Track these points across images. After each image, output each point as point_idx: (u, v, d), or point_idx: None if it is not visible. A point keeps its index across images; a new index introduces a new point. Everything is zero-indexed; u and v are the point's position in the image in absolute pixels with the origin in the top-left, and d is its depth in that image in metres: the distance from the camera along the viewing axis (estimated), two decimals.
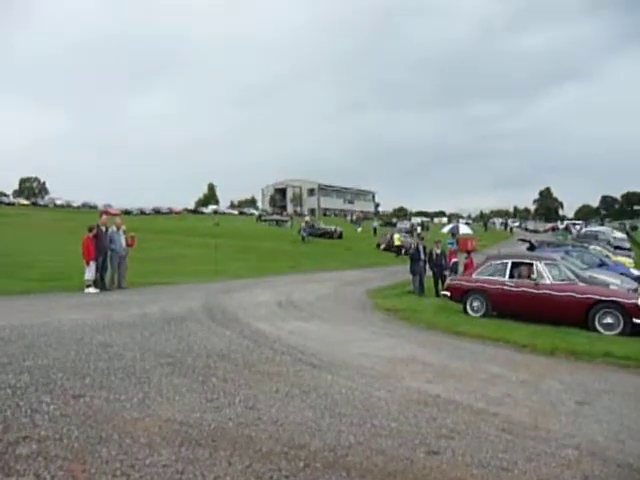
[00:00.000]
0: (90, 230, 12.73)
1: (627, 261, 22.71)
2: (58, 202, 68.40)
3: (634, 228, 67.59)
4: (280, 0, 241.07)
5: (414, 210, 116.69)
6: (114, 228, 13.61)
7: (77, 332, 7.26)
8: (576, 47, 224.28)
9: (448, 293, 12.10)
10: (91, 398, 4.47)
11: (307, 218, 48.72)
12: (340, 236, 41.75)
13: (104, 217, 14.26)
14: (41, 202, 70.27)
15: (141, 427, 3.88)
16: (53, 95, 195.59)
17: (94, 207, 64.43)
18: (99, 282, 12.76)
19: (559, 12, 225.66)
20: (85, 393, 4.59)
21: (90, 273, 12.43)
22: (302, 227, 38.28)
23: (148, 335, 7.33)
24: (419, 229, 48.23)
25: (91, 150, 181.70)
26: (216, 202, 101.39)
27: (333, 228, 43.09)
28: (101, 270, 12.94)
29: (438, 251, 15.88)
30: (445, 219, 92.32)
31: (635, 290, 13.53)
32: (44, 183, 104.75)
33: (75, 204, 68.47)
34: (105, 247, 13.03)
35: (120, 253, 13.42)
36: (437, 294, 14.46)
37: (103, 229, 13.23)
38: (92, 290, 12.32)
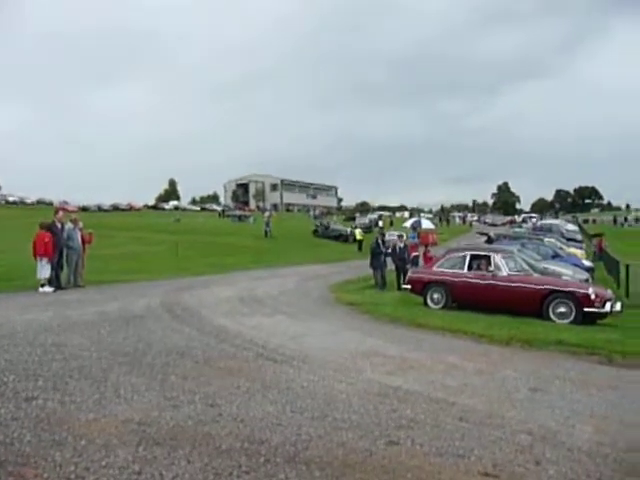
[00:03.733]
0: (42, 227, 12.28)
1: (579, 252, 23.55)
2: (10, 199, 65.64)
3: (586, 221, 70.47)
4: None
5: (376, 205, 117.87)
6: (70, 225, 13.19)
7: (30, 332, 7.02)
8: (533, 47, 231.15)
9: (409, 286, 12.29)
10: (44, 400, 4.33)
11: (267, 213, 48.50)
12: (355, 239, 36.63)
13: (60, 213, 13.79)
14: None
15: (97, 428, 3.79)
16: (10, 89, 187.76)
17: (49, 204, 62.09)
18: (54, 281, 12.34)
19: (520, 14, 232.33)
20: (38, 395, 4.44)
21: (45, 271, 12.00)
22: (265, 222, 38.10)
23: (105, 334, 7.16)
24: (380, 223, 48.38)
25: (50, 147, 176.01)
26: (177, 198, 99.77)
27: (349, 230, 39.14)
28: (57, 268, 12.52)
29: (401, 245, 16.09)
30: (407, 213, 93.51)
31: (586, 280, 14.10)
32: None
33: (29, 200, 65.99)
34: (61, 244, 12.62)
35: (77, 250, 13.03)
36: (399, 287, 14.66)
37: (59, 226, 12.80)
38: (47, 289, 11.92)
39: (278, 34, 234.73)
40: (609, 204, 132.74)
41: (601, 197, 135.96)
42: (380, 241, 15.97)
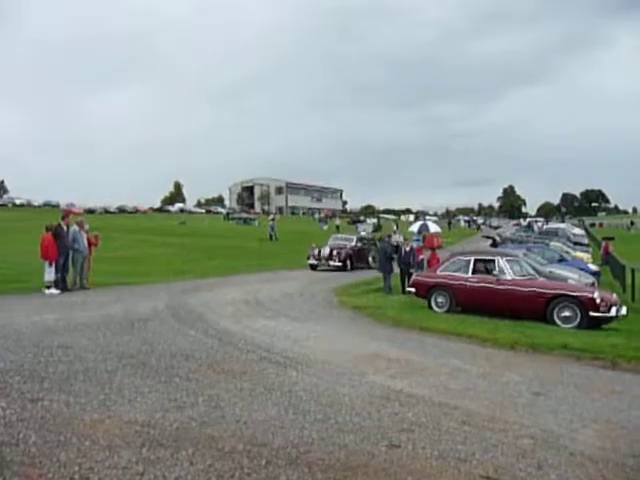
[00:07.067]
0: (48, 229, 12.37)
1: (585, 256, 23.46)
2: (18, 201, 66.03)
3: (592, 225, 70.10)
4: (250, 2, 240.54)
5: (381, 208, 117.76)
6: (76, 227, 13.27)
7: (36, 334, 7.08)
8: (536, 50, 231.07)
9: (413, 289, 12.28)
10: (50, 401, 4.37)
11: (272, 216, 48.48)
12: None
13: (70, 217, 13.87)
14: None
15: (101, 429, 3.82)
16: (14, 93, 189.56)
17: (56, 206, 62.22)
18: (60, 283, 12.42)
19: (519, 18, 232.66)
20: (43, 396, 4.49)
21: (50, 274, 12.09)
22: (270, 225, 38.08)
23: (110, 336, 7.21)
24: (394, 227, 47.55)
25: (55, 149, 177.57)
26: (183, 200, 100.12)
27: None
28: (62, 270, 12.60)
29: (407, 248, 16.08)
30: (412, 216, 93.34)
31: (592, 284, 14.04)
32: (2, 182, 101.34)
33: (36, 203, 66.34)
34: (67, 247, 12.70)
35: (83, 253, 13.11)
36: (404, 291, 14.63)
37: (65, 228, 12.89)
38: (53, 291, 12.00)
39: (277, 37, 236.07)
40: (616, 208, 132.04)
41: (608, 200, 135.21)
42: (393, 244, 15.98)
